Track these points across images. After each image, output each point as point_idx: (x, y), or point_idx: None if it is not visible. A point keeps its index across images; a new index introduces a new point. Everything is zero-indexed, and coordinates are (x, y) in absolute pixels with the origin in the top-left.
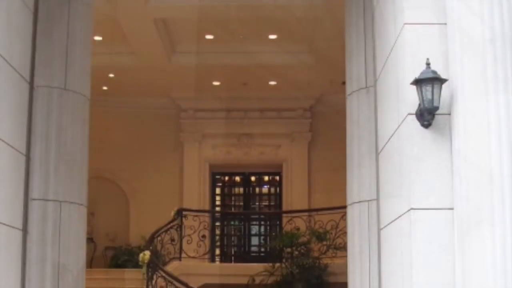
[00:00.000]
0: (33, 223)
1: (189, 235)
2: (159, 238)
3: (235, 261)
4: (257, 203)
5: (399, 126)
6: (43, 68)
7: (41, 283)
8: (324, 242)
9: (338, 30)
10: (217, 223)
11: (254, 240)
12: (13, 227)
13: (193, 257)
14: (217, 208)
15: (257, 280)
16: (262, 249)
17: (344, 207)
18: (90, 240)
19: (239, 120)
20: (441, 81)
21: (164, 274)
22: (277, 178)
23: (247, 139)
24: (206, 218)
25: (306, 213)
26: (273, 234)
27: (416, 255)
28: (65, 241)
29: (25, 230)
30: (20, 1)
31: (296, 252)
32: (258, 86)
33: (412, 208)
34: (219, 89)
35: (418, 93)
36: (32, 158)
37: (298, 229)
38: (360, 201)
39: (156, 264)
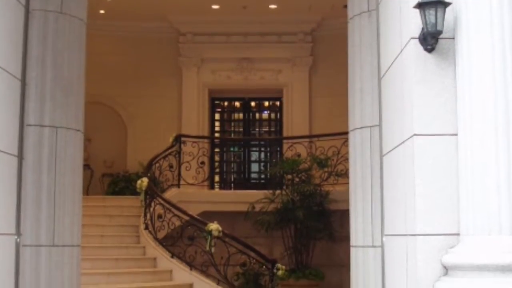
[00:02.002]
0: (29, 149)
1: (187, 162)
2: (157, 164)
3: (235, 188)
4: (257, 129)
5: (402, 50)
6: None
7: (37, 210)
8: (326, 169)
9: None
10: (217, 150)
11: (254, 167)
12: (8, 153)
13: (192, 184)
14: (217, 134)
15: (257, 207)
16: (262, 176)
17: (346, 133)
18: (87, 166)
19: (238, 44)
20: (445, 4)
21: (162, 201)
22: (278, 103)
23: (247, 63)
24: (205, 144)
25: (307, 139)
26: (274, 160)
27: (419, 181)
28: (61, 168)
29: (20, 156)
30: None
31: (297, 179)
32: (258, 10)
33: (415, 134)
34: (218, 13)
35: (421, 17)
36: (28, 83)
37: (299, 155)
38: (362, 127)
39: (154, 191)
